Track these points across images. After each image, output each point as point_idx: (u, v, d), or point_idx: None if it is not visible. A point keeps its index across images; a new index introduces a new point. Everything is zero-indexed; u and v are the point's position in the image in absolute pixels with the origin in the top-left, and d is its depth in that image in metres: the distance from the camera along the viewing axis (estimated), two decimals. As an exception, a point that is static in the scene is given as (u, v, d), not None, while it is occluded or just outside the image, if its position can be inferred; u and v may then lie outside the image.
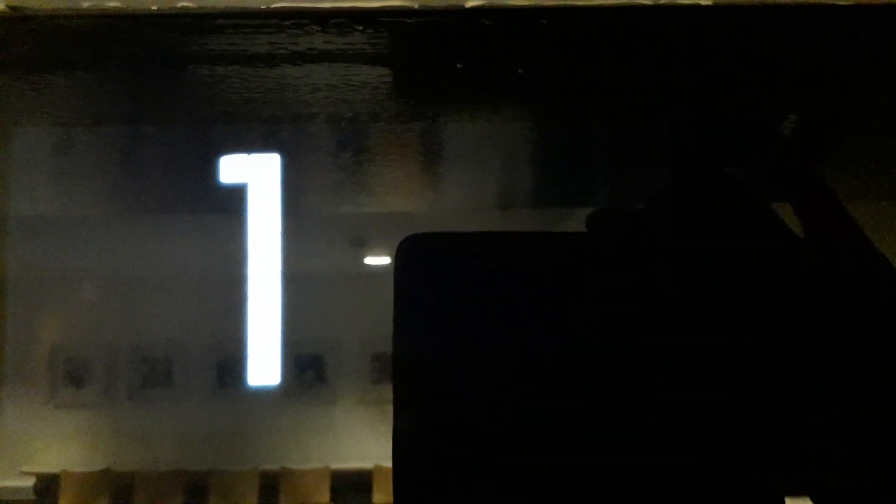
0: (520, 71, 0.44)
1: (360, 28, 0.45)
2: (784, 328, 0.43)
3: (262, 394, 0.44)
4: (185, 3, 0.46)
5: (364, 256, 0.42)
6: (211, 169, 0.45)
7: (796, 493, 0.42)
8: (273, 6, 0.46)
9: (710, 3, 0.44)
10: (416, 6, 0.44)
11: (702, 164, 0.44)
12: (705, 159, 0.44)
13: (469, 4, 0.44)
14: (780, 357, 0.43)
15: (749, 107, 0.44)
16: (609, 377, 0.44)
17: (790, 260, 0.44)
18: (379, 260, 0.42)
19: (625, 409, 0.43)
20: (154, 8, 0.45)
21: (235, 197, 0.45)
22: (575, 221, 0.45)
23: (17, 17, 0.45)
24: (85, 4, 0.45)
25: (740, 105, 0.44)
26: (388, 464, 0.46)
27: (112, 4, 0.45)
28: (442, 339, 0.45)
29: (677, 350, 0.43)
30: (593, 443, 0.44)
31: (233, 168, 0.43)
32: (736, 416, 0.43)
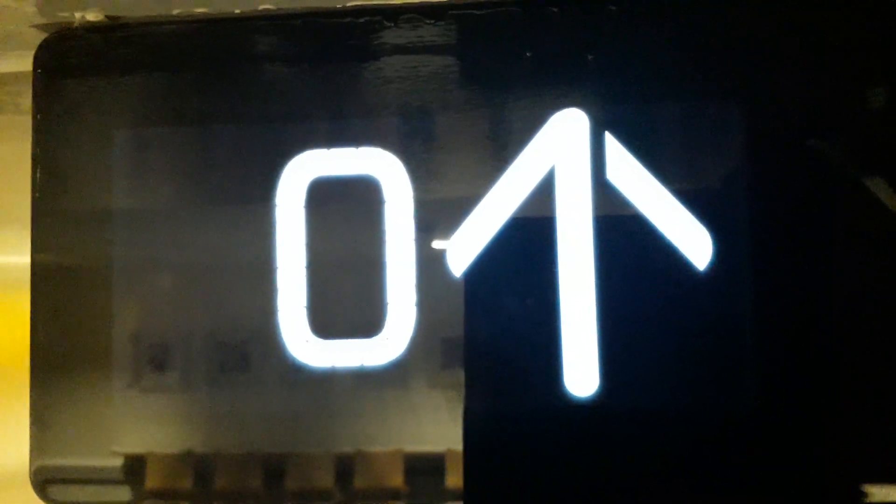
0: (589, 57, 0.44)
1: (431, 21, 0.46)
2: (872, 306, 0.42)
3: (338, 377, 0.46)
4: (266, 6, 0.48)
5: (432, 241, 0.43)
6: (291, 162, 0.46)
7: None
8: (349, 5, 0.47)
9: (783, -20, 0.43)
10: (485, -2, 0.45)
11: (783, 138, 0.43)
12: (787, 132, 0.43)
13: (537, -7, 0.44)
14: (868, 337, 0.41)
15: (832, 79, 0.43)
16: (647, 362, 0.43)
17: (882, 235, 0.43)
18: (445, 244, 0.43)
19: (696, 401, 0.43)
20: (237, 11, 0.48)
21: (317, 190, 0.46)
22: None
23: (115, 26, 0.48)
24: (175, 11, 0.48)
25: (823, 78, 0.43)
26: (460, 447, 0.47)
27: (199, 10, 0.48)
28: (512, 324, 0.46)
29: (753, 344, 0.42)
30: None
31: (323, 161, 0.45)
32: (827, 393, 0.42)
